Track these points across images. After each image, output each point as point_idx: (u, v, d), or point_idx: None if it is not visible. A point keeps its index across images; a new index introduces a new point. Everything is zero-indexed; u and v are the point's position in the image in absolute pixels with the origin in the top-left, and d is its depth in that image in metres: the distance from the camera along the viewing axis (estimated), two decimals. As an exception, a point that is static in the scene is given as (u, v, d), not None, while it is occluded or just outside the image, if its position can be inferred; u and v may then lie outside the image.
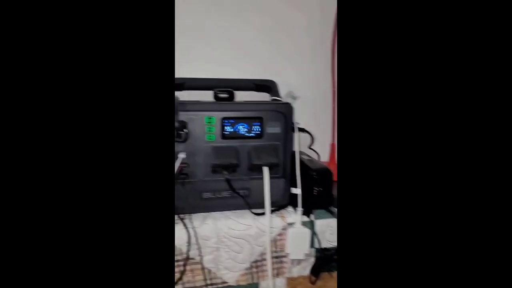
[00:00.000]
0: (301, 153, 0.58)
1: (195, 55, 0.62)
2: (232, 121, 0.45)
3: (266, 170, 0.42)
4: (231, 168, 0.44)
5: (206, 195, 0.46)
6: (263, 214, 0.46)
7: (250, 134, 0.46)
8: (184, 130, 0.42)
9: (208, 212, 0.47)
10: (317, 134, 0.66)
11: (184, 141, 0.43)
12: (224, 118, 0.44)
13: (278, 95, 0.55)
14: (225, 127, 0.44)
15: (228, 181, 0.44)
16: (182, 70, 0.60)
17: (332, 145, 0.65)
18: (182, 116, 0.42)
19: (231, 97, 0.49)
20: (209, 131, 0.44)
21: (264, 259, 0.46)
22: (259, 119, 0.46)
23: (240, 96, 0.55)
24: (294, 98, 0.52)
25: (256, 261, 0.46)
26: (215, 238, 0.44)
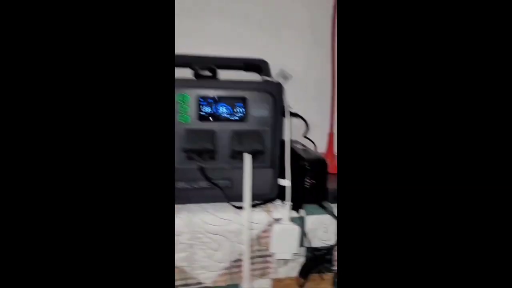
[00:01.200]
0: (294, 142, 0.53)
1: (185, 29, 0.56)
2: (210, 100, 0.39)
3: (248, 157, 0.36)
4: (207, 154, 0.38)
5: (180, 184, 0.40)
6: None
7: (233, 117, 0.40)
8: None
9: (183, 204, 0.41)
10: (314, 122, 0.60)
11: (153, 122, 0.37)
12: (201, 97, 0.38)
13: (269, 75, 0.49)
14: (202, 107, 0.39)
15: (201, 169, 0.38)
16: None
17: (330, 134, 0.58)
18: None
19: (213, 75, 0.43)
20: (182, 111, 0.38)
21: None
22: (243, 100, 0.40)
23: (226, 76, 0.50)
24: (286, 78, 0.46)
25: (237, 260, 0.41)
26: (188, 233, 0.38)
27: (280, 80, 0.45)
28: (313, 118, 0.57)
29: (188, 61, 0.47)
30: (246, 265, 0.36)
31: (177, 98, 0.38)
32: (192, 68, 0.43)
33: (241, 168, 0.41)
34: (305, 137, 0.56)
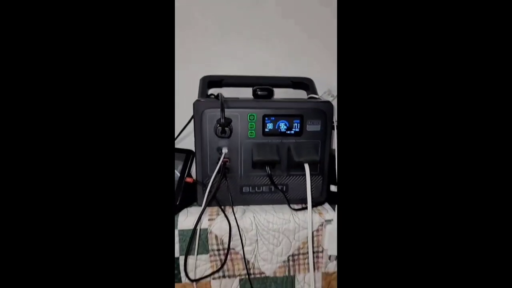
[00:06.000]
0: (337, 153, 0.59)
1: (233, 52, 0.64)
2: (273, 118, 0.46)
3: (307, 167, 0.43)
4: (272, 164, 0.45)
5: (246, 189, 0.48)
6: (301, 209, 0.47)
7: (290, 132, 0.47)
8: (229, 126, 0.44)
9: (247, 205, 0.49)
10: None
11: (228, 137, 0.45)
12: (266, 116, 0.46)
13: (315, 93, 0.56)
14: (266, 124, 0.46)
15: (270, 176, 0.45)
16: (220, 67, 0.62)
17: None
18: (228, 112, 0.44)
19: (270, 95, 0.50)
20: (251, 127, 0.45)
21: (301, 254, 0.47)
22: (300, 117, 0.46)
23: (277, 93, 0.57)
24: (333, 96, 0.52)
25: (293, 255, 0.47)
26: (254, 230, 0.46)
27: (329, 98, 0.51)
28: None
29: (247, 82, 0.55)
30: (310, 257, 0.43)
31: (248, 117, 0.45)
32: (253, 89, 0.50)
33: (294, 175, 0.48)
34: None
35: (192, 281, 0.43)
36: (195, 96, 0.52)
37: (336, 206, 0.47)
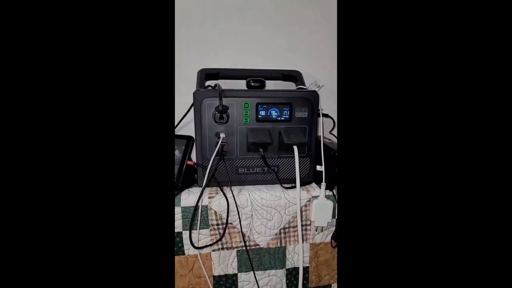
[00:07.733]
0: (322, 137, 0.65)
1: (229, 49, 0.68)
2: (265, 106, 0.51)
3: (296, 149, 0.48)
4: (265, 146, 0.51)
5: (242, 170, 0.53)
6: (291, 187, 0.53)
7: (281, 118, 0.52)
8: (226, 113, 0.49)
9: (243, 185, 0.54)
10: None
11: (225, 122, 0.50)
12: (259, 104, 0.51)
13: (303, 84, 0.61)
14: (260, 111, 0.51)
15: (263, 157, 0.51)
16: (216, 61, 0.67)
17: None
18: (224, 101, 0.49)
19: (262, 86, 0.55)
20: (246, 114, 0.51)
21: (291, 227, 0.53)
22: (289, 105, 0.52)
23: (269, 85, 0.62)
24: (318, 86, 0.58)
25: (284, 228, 0.53)
26: (249, 206, 0.51)
27: (315, 89, 0.57)
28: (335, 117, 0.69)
29: (241, 74, 0.60)
30: (299, 229, 0.49)
31: (243, 105, 0.50)
32: (247, 80, 0.55)
33: (285, 157, 0.54)
34: (330, 133, 0.68)
35: (196, 248, 0.49)
36: (193, 87, 0.56)
37: (322, 183, 0.53)
